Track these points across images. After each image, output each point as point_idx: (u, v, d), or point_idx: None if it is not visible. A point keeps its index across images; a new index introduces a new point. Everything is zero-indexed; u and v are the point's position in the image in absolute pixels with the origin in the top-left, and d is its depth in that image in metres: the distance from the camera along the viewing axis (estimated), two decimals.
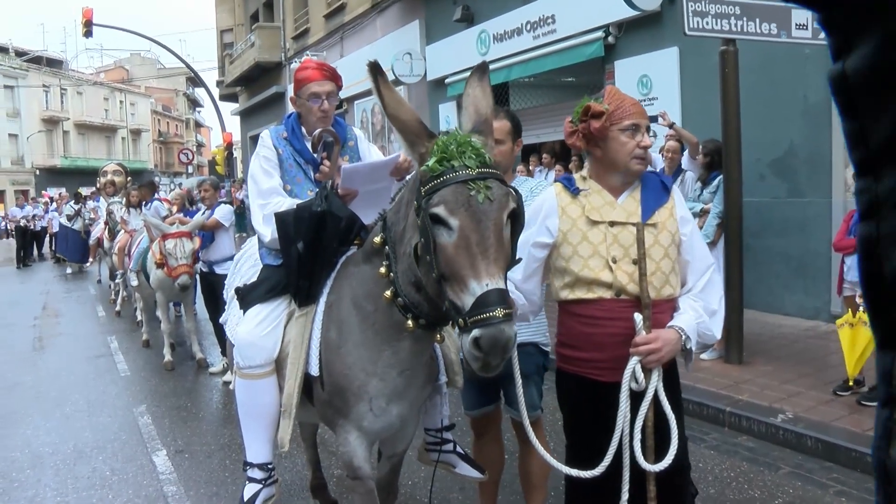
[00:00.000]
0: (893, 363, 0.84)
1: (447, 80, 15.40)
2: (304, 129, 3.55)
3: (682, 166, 7.65)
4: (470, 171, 2.34)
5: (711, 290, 2.87)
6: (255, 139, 31.16)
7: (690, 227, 2.89)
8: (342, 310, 3.04)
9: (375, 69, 2.49)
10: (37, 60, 59.79)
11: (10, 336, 11.24)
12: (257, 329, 3.29)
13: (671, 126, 7.79)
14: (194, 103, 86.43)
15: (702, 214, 7.17)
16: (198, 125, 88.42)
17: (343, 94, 21.56)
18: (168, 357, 8.42)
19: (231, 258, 7.79)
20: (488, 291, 2.20)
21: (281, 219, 3.19)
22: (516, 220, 2.40)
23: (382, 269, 2.79)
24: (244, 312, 3.40)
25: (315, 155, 3.48)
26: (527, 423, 2.88)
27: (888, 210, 0.83)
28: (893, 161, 0.82)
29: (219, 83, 32.98)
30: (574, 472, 2.73)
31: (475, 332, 2.18)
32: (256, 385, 3.31)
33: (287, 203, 3.32)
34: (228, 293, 4.04)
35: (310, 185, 3.48)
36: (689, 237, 2.85)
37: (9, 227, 34.33)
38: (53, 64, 63.54)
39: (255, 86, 28.64)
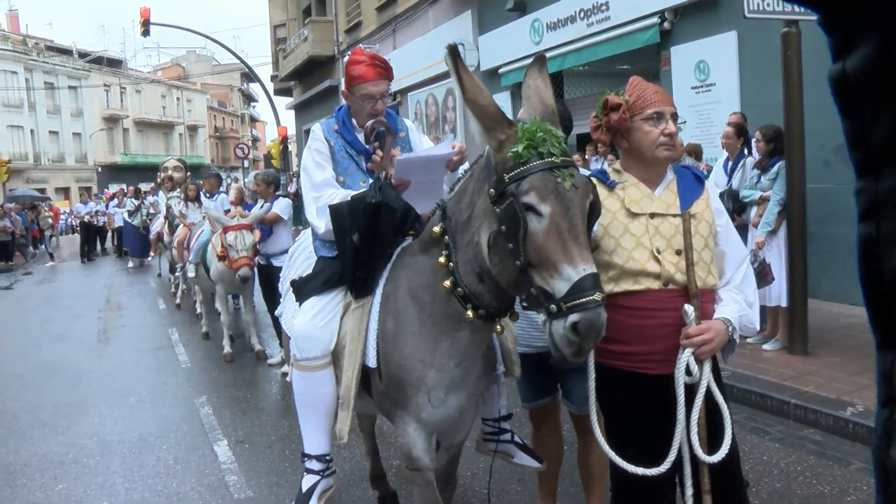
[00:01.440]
0: (894, 363, 0.84)
1: (500, 71, 15.32)
2: (354, 121, 3.54)
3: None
4: (555, 158, 2.34)
5: (748, 282, 2.85)
6: (309, 133, 31.42)
7: (725, 219, 2.87)
8: (399, 301, 3.04)
9: (455, 53, 2.45)
10: (98, 61, 61.20)
11: (76, 327, 11.58)
12: (314, 321, 3.30)
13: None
14: (249, 98, 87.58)
15: (760, 202, 7.01)
16: (253, 120, 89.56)
17: (396, 87, 21.63)
18: (227, 349, 8.55)
19: (288, 251, 7.90)
20: (585, 276, 2.20)
21: (335, 211, 3.18)
22: (593, 209, 2.40)
23: (441, 259, 2.77)
24: (300, 305, 3.42)
25: (367, 146, 3.48)
26: (594, 416, 2.82)
27: (888, 210, 0.84)
28: (893, 161, 0.82)
29: (273, 78, 33.32)
30: (640, 470, 2.67)
31: (573, 317, 2.18)
32: (313, 377, 3.33)
33: (340, 195, 3.31)
34: (284, 286, 4.07)
35: (362, 177, 3.48)
36: (724, 228, 2.83)
37: (73, 223, 35.28)
38: (113, 64, 64.98)
39: (308, 80, 28.86)
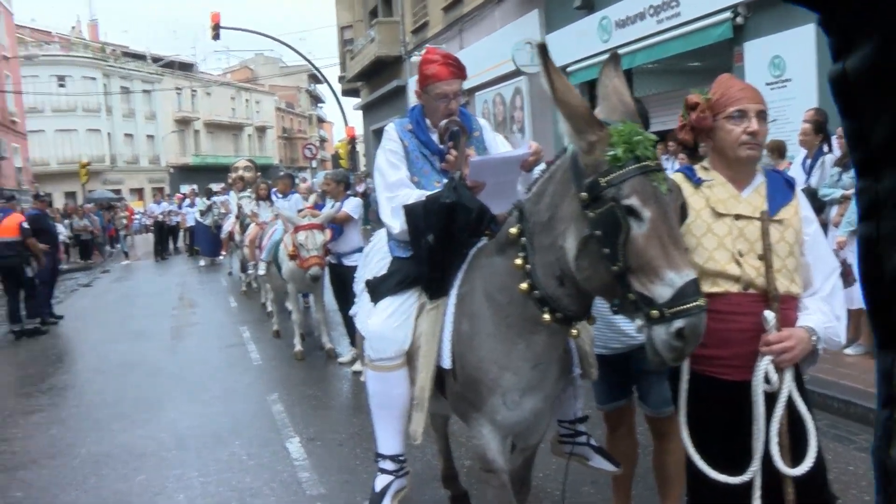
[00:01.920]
0: (894, 364, 0.86)
1: (568, 69, 15.19)
2: (428, 121, 3.54)
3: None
4: (650, 162, 2.32)
5: (836, 296, 2.74)
6: (377, 133, 31.61)
7: (814, 228, 2.77)
8: (474, 302, 3.02)
9: (544, 52, 2.43)
10: (170, 65, 62.75)
11: (151, 324, 11.90)
12: (388, 321, 3.31)
13: None
14: (316, 99, 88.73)
15: (842, 201, 6.81)
16: (320, 121, 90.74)
17: (465, 86, 21.65)
18: (298, 347, 8.67)
19: (359, 250, 7.95)
20: (688, 282, 2.20)
21: (410, 211, 3.18)
22: (682, 212, 2.40)
23: (518, 261, 2.75)
24: (375, 305, 3.43)
25: (442, 146, 3.48)
26: (683, 419, 2.76)
27: (888, 210, 0.84)
28: (893, 161, 0.83)
29: (340, 79, 33.67)
30: (722, 477, 2.61)
31: (678, 323, 2.17)
32: (388, 377, 3.34)
33: (415, 195, 3.31)
34: (359, 286, 4.09)
35: (436, 177, 3.47)
36: (812, 237, 2.73)
37: (147, 223, 36.22)
38: (185, 67, 66.55)
39: (376, 80, 29.09)
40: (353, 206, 7.86)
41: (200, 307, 13.50)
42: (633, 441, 4.00)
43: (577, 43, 14.86)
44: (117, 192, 50.50)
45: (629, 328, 3.52)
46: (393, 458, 3.47)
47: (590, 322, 2.87)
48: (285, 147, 78.62)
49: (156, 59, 64.09)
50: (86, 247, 24.85)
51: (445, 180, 3.43)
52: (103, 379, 8.48)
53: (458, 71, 3.49)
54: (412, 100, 21.82)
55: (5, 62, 36.54)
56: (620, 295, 2.33)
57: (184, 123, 63.38)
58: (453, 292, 3.14)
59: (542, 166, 3.55)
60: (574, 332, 2.83)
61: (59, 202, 39.98)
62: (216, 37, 26.15)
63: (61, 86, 52.70)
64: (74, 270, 21.56)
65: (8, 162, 34.75)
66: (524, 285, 2.73)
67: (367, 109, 31.72)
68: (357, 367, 7.79)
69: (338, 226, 7.80)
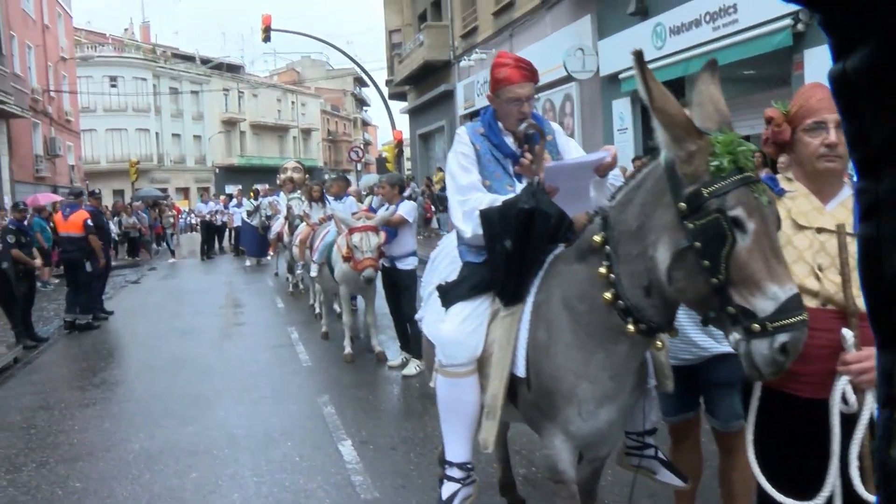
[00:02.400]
0: (894, 364, 0.86)
1: (621, 76, 15.08)
2: (500, 125, 3.50)
3: None
4: (751, 173, 2.28)
5: None
6: (424, 137, 31.81)
7: None
8: (552, 310, 2.97)
9: (640, 59, 2.37)
10: (218, 66, 63.64)
11: (200, 323, 12.02)
12: (461, 327, 3.26)
13: None
14: (361, 103, 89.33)
15: None
16: (365, 124, 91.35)
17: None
18: (348, 349, 8.66)
19: (413, 254, 7.96)
20: (792, 296, 2.16)
21: (486, 216, 3.14)
22: (777, 224, 2.34)
23: (602, 270, 2.69)
24: (446, 310, 3.39)
25: (518, 149, 3.43)
26: (750, 437, 2.67)
27: (888, 211, 0.84)
28: (893, 162, 0.83)
29: (388, 82, 33.84)
30: (789, 501, 2.52)
31: (782, 337, 2.14)
32: (459, 383, 3.29)
33: (487, 199, 3.27)
34: (425, 290, 4.06)
35: (508, 180, 3.43)
36: None
37: (193, 222, 36.71)
38: (233, 69, 67.44)
39: (423, 84, 29.18)
40: (407, 209, 7.86)
41: (247, 307, 13.59)
42: (699, 455, 3.91)
43: (629, 49, 14.57)
44: (164, 190, 51.30)
45: (700, 339, 3.44)
46: (461, 466, 3.42)
47: (672, 335, 2.80)
48: (330, 149, 79.23)
49: (204, 61, 65.10)
50: (133, 244, 25.22)
51: (518, 184, 3.39)
52: (153, 375, 8.56)
53: (531, 74, 3.45)
54: (461, 104, 22.13)
55: (63, 63, 37.35)
56: (717, 308, 2.28)
57: (230, 124, 64.21)
58: (529, 299, 3.09)
59: (617, 171, 3.49)
60: (659, 344, 2.78)
61: (107, 200, 40.70)
62: (267, 39, 26.43)
63: (113, 86, 53.88)
64: (122, 267, 21.87)
65: (62, 159, 35.53)
66: (608, 295, 2.68)
67: (414, 113, 31.84)
68: (407, 370, 7.79)
69: (392, 229, 7.79)
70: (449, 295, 3.39)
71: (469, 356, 3.24)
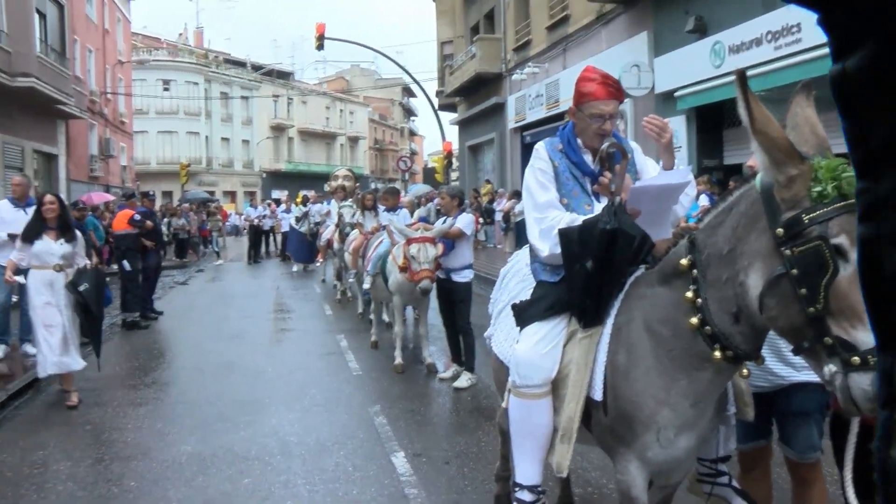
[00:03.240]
0: (894, 364, 0.87)
1: (676, 94, 14.93)
2: (580, 141, 3.46)
3: None
4: (852, 199, 2.19)
5: None
6: (473, 149, 31.84)
7: None
8: (633, 333, 2.93)
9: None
10: (269, 73, 64.42)
11: (249, 327, 12.11)
12: (536, 348, 3.23)
13: None
14: (409, 113, 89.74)
15: None
16: (412, 134, 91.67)
17: (566, 105, 21.44)
18: (399, 360, 8.65)
19: (469, 267, 7.93)
20: None
21: (565, 235, 3.11)
22: None
23: (689, 294, 2.64)
24: (521, 330, 3.36)
25: (600, 167, 3.39)
26: (849, 476, 2.58)
27: (888, 211, 0.85)
28: (893, 162, 0.83)
29: (438, 93, 33.91)
30: None
31: None
32: (532, 405, 3.25)
33: (566, 218, 3.24)
34: (494, 308, 4.03)
35: (587, 199, 3.39)
36: None
37: (241, 226, 37.09)
38: (283, 76, 68.20)
39: (474, 97, 29.19)
40: (465, 222, 7.84)
41: (295, 313, 13.66)
42: (768, 485, 3.83)
43: (686, 67, 14.59)
44: (211, 193, 51.96)
45: (778, 367, 3.37)
46: (531, 489, 3.37)
47: (758, 362, 2.72)
48: (376, 158, 79.67)
49: (255, 67, 65.98)
50: (182, 246, 25.53)
51: (596, 203, 3.35)
52: (204, 378, 8.63)
53: (616, 92, 3.42)
54: (511, 117, 22.02)
55: (120, 66, 38.11)
56: (812, 338, 2.20)
57: (278, 130, 64.88)
58: (609, 321, 3.05)
59: (693, 192, 3.43)
60: (745, 371, 2.70)
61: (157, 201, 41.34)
62: (320, 46, 26.70)
63: (166, 89, 54.86)
64: (171, 268, 22.12)
65: (115, 160, 36.18)
66: (694, 320, 2.62)
67: (464, 125, 31.87)
68: (459, 383, 7.76)
69: (449, 241, 7.78)
70: (524, 314, 3.35)
71: (544, 377, 3.21)
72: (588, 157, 3.46)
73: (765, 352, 3.26)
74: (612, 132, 3.42)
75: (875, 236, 0.88)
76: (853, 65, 0.84)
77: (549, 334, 3.24)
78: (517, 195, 21.46)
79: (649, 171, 3.55)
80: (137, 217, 12.48)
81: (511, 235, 21.59)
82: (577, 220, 3.19)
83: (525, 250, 4.07)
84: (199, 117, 57.43)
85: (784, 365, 3.36)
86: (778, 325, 2.35)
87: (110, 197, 24.75)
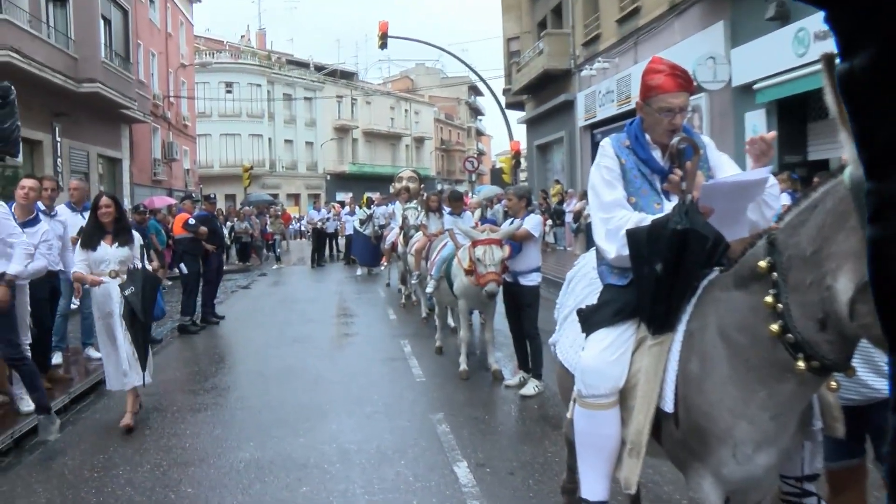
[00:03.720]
0: None
1: (755, 86, 14.53)
2: (648, 137, 3.37)
3: None
4: None
5: None
6: (541, 148, 31.70)
7: None
8: (707, 341, 2.81)
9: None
10: (332, 73, 65.17)
11: (312, 332, 12.23)
12: (603, 355, 3.14)
13: None
14: (476, 112, 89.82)
15: None
16: (479, 133, 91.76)
17: (634, 104, 21.14)
18: (464, 366, 8.60)
19: (537, 270, 7.84)
20: None
21: (633, 236, 3.03)
22: None
23: (768, 299, 2.51)
24: (587, 336, 3.27)
25: (671, 164, 3.28)
26: None
27: (894, 212, 0.85)
28: None
29: (505, 91, 33.85)
30: None
31: None
32: (599, 416, 3.16)
33: (634, 218, 3.15)
34: (560, 313, 3.94)
35: (656, 198, 3.30)
36: None
37: (304, 229, 37.55)
38: (346, 76, 68.92)
39: (542, 94, 29.04)
40: (533, 223, 7.74)
41: (359, 318, 13.74)
42: None
43: (766, 57, 14.18)
44: (275, 196, 52.64)
45: (871, 379, 3.19)
46: None
47: (849, 374, 2.57)
48: (443, 159, 79.96)
49: (318, 68, 66.80)
50: (244, 249, 25.95)
51: (666, 202, 3.24)
52: (264, 383, 8.71)
53: (686, 83, 3.31)
54: (581, 115, 21.75)
55: (183, 70, 39.01)
56: None
57: (342, 131, 65.60)
58: (681, 328, 2.94)
59: (777, 190, 3.28)
60: (833, 384, 2.56)
61: (219, 204, 42.16)
62: (383, 45, 26.85)
63: (229, 92, 55.95)
64: (233, 272, 22.50)
65: (178, 163, 37.08)
66: (774, 326, 2.50)
67: (532, 123, 31.74)
68: (525, 390, 7.67)
69: (516, 243, 7.70)
70: (590, 320, 3.27)
71: (611, 387, 3.11)
72: (657, 154, 3.36)
73: (856, 362, 3.08)
74: (682, 126, 3.31)
75: (883, 237, 0.88)
76: (861, 64, 0.84)
77: (617, 341, 3.15)
78: (588, 196, 21.27)
79: (724, 167, 3.43)
80: (192, 221, 12.73)
81: (581, 237, 21.38)
82: (646, 219, 3.09)
83: (592, 253, 3.98)
84: (262, 119, 58.39)
85: (878, 376, 3.18)
86: (871, 333, 2.21)
87: (172, 200, 25.31)
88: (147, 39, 31.39)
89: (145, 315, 7.00)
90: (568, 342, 3.61)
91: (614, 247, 3.16)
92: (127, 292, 6.90)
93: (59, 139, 20.59)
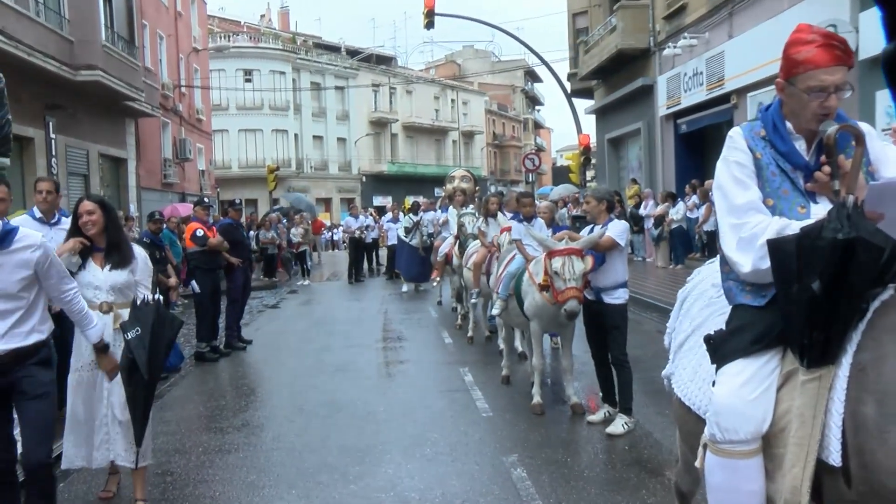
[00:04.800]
0: None
1: None
2: (790, 125, 3.24)
3: None
4: None
5: None
6: (614, 142, 31.52)
7: None
8: (885, 375, 2.66)
9: None
10: (367, 59, 65.62)
11: (356, 359, 12.22)
12: (742, 392, 3.02)
13: None
14: (534, 101, 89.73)
15: None
16: (537, 126, 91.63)
17: (732, 86, 20.91)
18: (537, 398, 8.51)
19: (623, 285, 7.71)
20: None
21: (777, 247, 2.90)
22: None
23: None
24: (718, 368, 3.17)
25: (810, 158, 3.14)
26: None
27: None
28: None
29: (570, 77, 33.68)
30: None
31: None
32: (738, 466, 3.04)
33: (775, 225, 3.03)
34: (673, 339, 3.85)
35: (800, 200, 3.17)
36: None
37: (337, 238, 37.64)
38: (383, 61, 69.31)
39: (615, 78, 28.89)
40: (619, 230, 7.60)
41: (409, 342, 13.72)
42: None
43: None
44: None
45: None
46: None
47: None
48: (495, 156, 80.00)
49: (351, 52, 67.25)
50: (270, 263, 26.04)
51: (812, 205, 3.11)
52: (304, 420, 8.69)
53: (845, 56, 3.15)
54: (662, 102, 21.57)
55: (195, 55, 39.46)
56: None
57: (379, 126, 65.96)
58: (846, 360, 2.80)
59: None
60: None
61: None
62: (429, 25, 26.93)
63: (248, 80, 56.45)
64: (259, 289, 22.64)
65: (191, 164, 37.46)
66: None
67: (603, 113, 31.59)
68: (613, 429, 7.55)
69: (599, 254, 7.59)
70: (722, 349, 3.15)
71: (752, 430, 2.99)
72: (801, 145, 3.23)
73: None
74: (836, 111, 3.16)
75: None
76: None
77: (758, 375, 3.03)
78: (671, 197, 21.02)
79: (890, 161, 3.25)
80: (200, 233, 12.45)
81: (664, 247, 21.17)
82: (790, 226, 2.98)
83: (709, 266, 3.87)
84: (287, 113, 58.92)
85: None
86: None
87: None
88: (154, 19, 31.80)
89: (152, 370, 5.59)
90: (687, 375, 3.50)
91: (749, 259, 3.05)
92: (129, 335, 5.56)
93: (53, 136, 20.67)
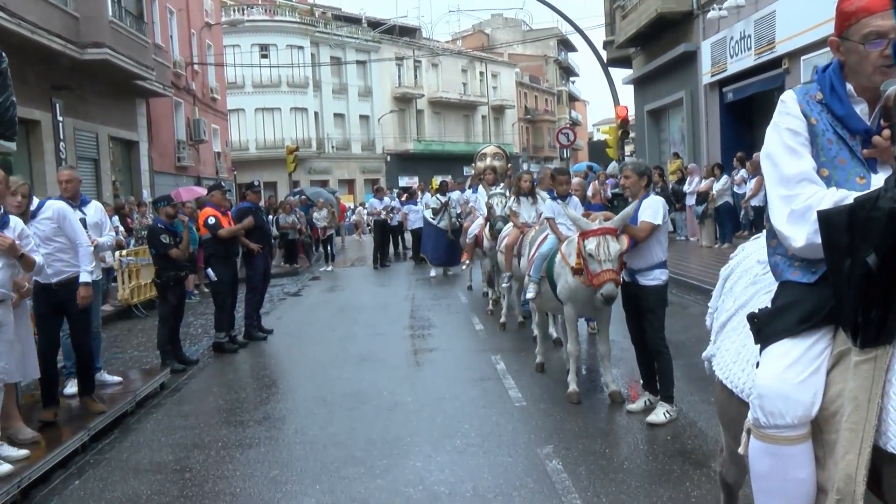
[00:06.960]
0: None
1: None
2: (850, 86, 3.17)
3: None
4: None
5: None
6: (654, 114, 31.34)
7: None
8: None
9: None
10: (390, 30, 65.49)
11: (383, 347, 12.31)
12: (788, 374, 3.00)
13: None
14: (568, 72, 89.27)
15: None
16: (572, 99, 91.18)
17: (784, 48, 20.60)
18: (573, 387, 8.51)
19: (661, 265, 7.66)
20: None
21: (828, 220, 2.87)
22: None
23: None
24: (762, 349, 3.15)
25: (869, 123, 3.10)
26: None
27: None
28: None
29: (606, 45, 33.50)
30: None
31: None
32: (785, 453, 3.03)
33: (830, 196, 2.99)
34: (716, 319, 3.83)
35: (859, 169, 3.12)
36: None
37: (367, 221, 37.58)
38: (407, 33, 69.09)
39: (655, 46, 28.69)
40: (653, 208, 7.48)
41: (438, 329, 13.76)
42: None
43: None
44: (324, 183, 53.16)
45: None
46: None
47: None
48: (527, 132, 79.79)
49: (373, 24, 67.12)
50: (291, 248, 26.13)
51: (873, 176, 3.06)
52: (328, 412, 8.75)
53: None
54: (706, 69, 21.46)
55: (208, 30, 39.53)
56: None
57: (404, 101, 65.96)
58: None
59: None
60: None
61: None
62: None
63: (264, 56, 56.41)
64: (279, 276, 22.76)
65: (206, 146, 37.57)
66: None
67: (642, 84, 31.41)
68: (654, 417, 7.54)
69: None
70: (767, 328, 3.13)
71: (800, 415, 2.98)
72: (863, 109, 3.16)
73: None
74: None
75: None
76: None
77: (806, 356, 3.01)
78: (719, 169, 20.84)
79: None
80: (212, 220, 12.58)
81: (709, 224, 21.02)
82: (847, 197, 2.92)
83: (755, 242, 3.84)
84: (307, 90, 59.00)
85: None
86: None
87: (202, 191, 24.40)
88: None
89: None
90: (730, 356, 3.48)
91: (803, 233, 3.01)
92: None
93: (60, 118, 20.80)
